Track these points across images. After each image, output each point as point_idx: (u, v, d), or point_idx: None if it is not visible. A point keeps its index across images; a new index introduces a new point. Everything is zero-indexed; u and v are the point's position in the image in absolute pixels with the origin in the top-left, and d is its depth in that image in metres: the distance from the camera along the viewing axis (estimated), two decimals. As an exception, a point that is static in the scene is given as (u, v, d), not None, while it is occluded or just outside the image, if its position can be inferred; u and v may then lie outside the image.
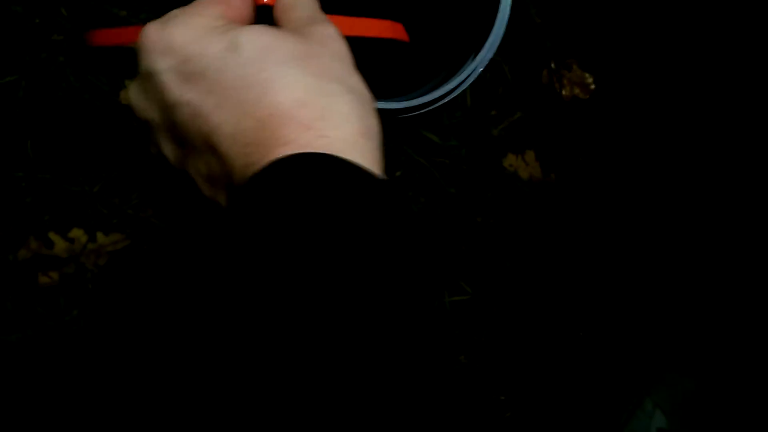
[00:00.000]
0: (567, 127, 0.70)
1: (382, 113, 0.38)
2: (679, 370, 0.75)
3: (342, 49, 0.32)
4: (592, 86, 0.69)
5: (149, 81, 0.33)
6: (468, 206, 0.73)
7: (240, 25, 0.31)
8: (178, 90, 0.30)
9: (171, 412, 0.21)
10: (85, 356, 0.67)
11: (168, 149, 0.34)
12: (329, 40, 0.31)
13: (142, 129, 0.36)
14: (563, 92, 0.69)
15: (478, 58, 0.40)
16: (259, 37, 0.29)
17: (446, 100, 0.40)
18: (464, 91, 0.48)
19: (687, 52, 0.71)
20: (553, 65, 0.68)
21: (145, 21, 0.34)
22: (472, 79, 0.41)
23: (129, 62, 0.67)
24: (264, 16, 0.35)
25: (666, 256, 0.74)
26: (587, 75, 0.69)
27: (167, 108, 0.31)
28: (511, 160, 0.71)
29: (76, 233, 0.68)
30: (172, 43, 0.30)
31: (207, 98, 0.29)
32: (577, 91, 0.69)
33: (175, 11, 0.32)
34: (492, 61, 0.47)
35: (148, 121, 0.35)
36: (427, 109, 0.40)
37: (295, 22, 0.32)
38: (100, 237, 0.68)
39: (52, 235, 0.67)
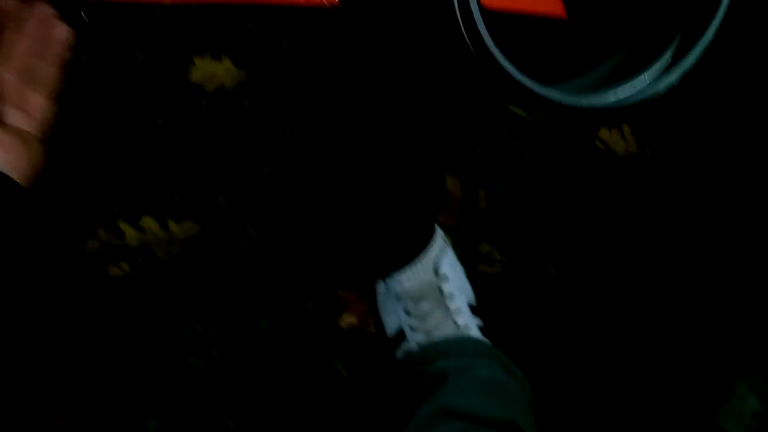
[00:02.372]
0: (650, 106, 0.65)
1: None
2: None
3: None
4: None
5: None
6: (557, 185, 0.68)
7: None
8: None
9: None
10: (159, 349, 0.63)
11: None
12: None
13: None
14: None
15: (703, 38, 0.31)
16: None
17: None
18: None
19: None
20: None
21: None
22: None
23: (196, 39, 0.61)
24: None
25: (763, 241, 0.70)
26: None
27: None
28: (605, 135, 0.66)
29: (147, 222, 0.63)
30: None
31: None
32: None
33: None
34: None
35: None
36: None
37: None
38: (172, 225, 0.64)
39: (123, 225, 0.63)
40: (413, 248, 0.61)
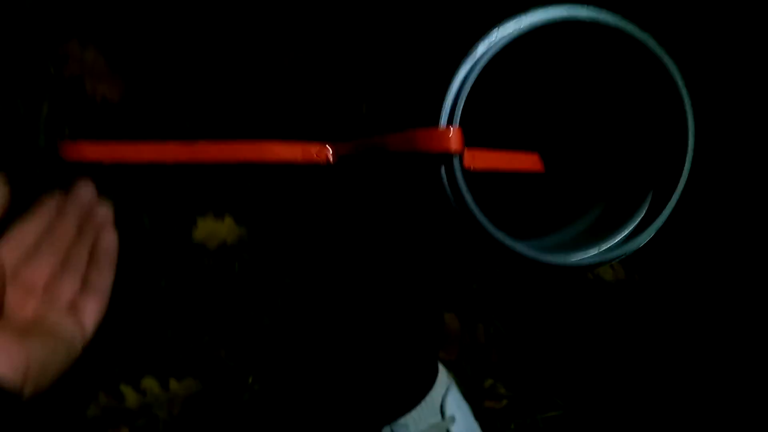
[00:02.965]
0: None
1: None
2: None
3: None
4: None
5: None
6: (553, 316, 0.70)
7: None
8: None
9: None
10: None
11: None
12: None
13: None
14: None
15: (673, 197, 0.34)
16: None
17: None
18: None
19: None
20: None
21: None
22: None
23: (199, 200, 0.65)
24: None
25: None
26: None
27: None
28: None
29: (148, 383, 0.62)
30: None
31: None
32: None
33: None
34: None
35: None
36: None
37: None
38: (173, 384, 0.63)
39: (124, 388, 0.62)
40: (417, 391, 0.61)
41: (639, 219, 0.36)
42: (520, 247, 0.32)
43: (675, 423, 0.68)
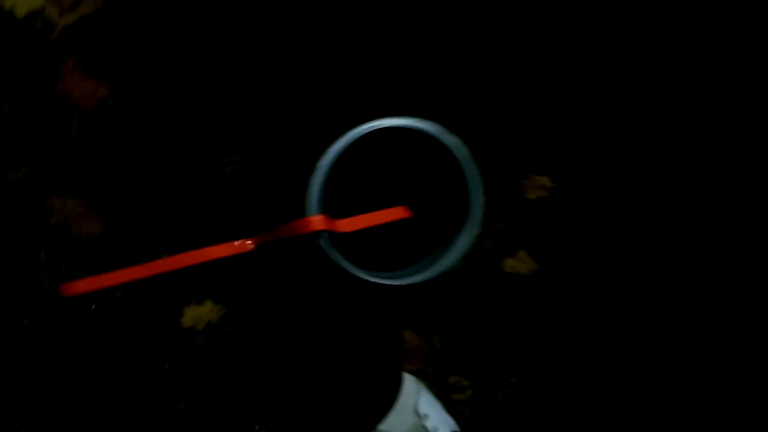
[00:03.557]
0: (543, 222, 0.83)
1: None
2: None
3: None
4: (551, 185, 0.83)
5: None
6: (492, 313, 0.84)
7: None
8: None
9: None
10: None
11: None
12: None
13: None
14: (529, 196, 0.83)
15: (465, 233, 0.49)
16: None
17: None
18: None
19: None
20: (515, 181, 0.83)
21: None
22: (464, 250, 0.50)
23: (179, 294, 0.79)
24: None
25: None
26: (544, 178, 0.83)
27: None
28: (509, 263, 0.83)
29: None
30: None
31: None
32: (540, 192, 0.83)
33: None
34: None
35: None
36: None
37: None
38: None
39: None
40: (389, 398, 0.75)
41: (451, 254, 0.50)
42: (373, 277, 0.47)
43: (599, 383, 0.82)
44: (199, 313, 0.79)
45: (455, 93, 0.83)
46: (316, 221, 0.44)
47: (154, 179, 0.79)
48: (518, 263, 0.83)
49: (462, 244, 0.46)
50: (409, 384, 0.79)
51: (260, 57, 0.82)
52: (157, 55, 0.81)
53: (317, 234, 0.44)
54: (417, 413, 0.76)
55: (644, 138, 0.86)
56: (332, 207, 0.50)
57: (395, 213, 0.53)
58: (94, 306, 0.77)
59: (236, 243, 0.48)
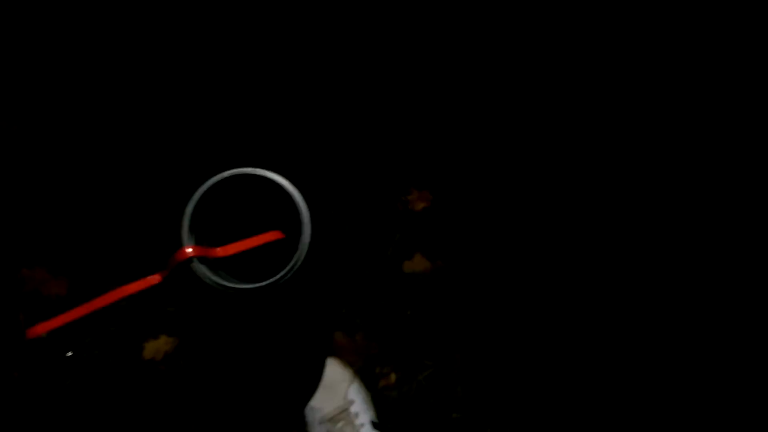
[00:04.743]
0: (428, 229, 1.00)
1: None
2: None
3: None
4: (431, 198, 1.00)
5: None
6: (402, 307, 1.00)
7: None
8: None
9: None
10: None
11: None
12: None
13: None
14: (416, 209, 1.00)
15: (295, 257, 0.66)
16: None
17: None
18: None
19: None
20: (402, 198, 1.00)
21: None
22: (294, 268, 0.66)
23: (137, 331, 0.95)
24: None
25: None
26: (426, 193, 1.00)
27: None
28: (407, 265, 0.99)
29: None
30: None
31: None
32: (423, 204, 1.00)
33: None
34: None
35: None
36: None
37: None
38: (168, 456, 0.92)
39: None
40: (314, 381, 0.91)
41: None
42: (234, 285, 0.63)
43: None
44: (156, 346, 0.95)
45: (333, 127, 1.01)
46: (187, 252, 0.60)
47: (100, 239, 0.97)
48: (415, 264, 0.99)
49: (299, 253, 0.62)
50: (342, 373, 0.94)
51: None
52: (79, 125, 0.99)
53: (191, 260, 0.61)
54: (345, 397, 0.91)
55: (506, 142, 1.03)
56: (213, 238, 0.66)
57: (267, 236, 0.69)
58: (70, 353, 0.94)
59: (146, 279, 0.64)
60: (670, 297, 0.98)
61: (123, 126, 1.00)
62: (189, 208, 0.62)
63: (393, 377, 0.98)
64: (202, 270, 0.62)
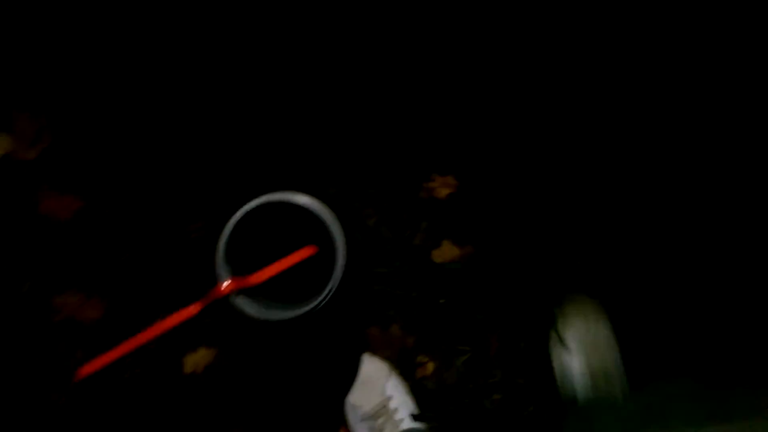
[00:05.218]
0: (454, 215, 0.99)
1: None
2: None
3: None
4: (456, 183, 0.98)
5: None
6: (430, 292, 1.00)
7: None
8: None
9: None
10: None
11: None
12: None
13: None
14: (440, 196, 0.99)
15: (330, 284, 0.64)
16: None
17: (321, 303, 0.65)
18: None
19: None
20: (426, 182, 0.98)
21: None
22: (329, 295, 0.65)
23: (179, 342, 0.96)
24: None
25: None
26: (450, 178, 0.98)
27: None
28: (436, 254, 0.98)
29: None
30: None
31: None
32: (448, 191, 0.98)
33: None
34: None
35: None
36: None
37: None
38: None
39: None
40: (351, 377, 0.92)
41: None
42: (272, 317, 0.63)
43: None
44: (196, 360, 0.96)
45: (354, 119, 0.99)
46: (224, 287, 0.60)
47: (134, 262, 0.97)
48: (444, 252, 0.98)
49: (334, 277, 0.62)
50: (381, 369, 0.95)
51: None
52: (112, 164, 0.98)
53: (232, 293, 0.60)
54: (383, 393, 0.92)
55: (529, 130, 1.01)
56: (247, 264, 0.65)
57: (301, 254, 0.69)
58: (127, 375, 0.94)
59: (185, 310, 0.64)
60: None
61: (155, 149, 0.99)
62: (222, 242, 0.61)
63: (431, 366, 0.99)
64: (240, 304, 0.62)
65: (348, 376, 0.94)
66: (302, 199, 0.64)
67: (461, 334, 0.99)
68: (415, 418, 0.92)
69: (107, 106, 0.99)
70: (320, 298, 0.63)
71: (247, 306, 0.62)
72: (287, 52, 1.02)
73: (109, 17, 0.99)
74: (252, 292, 0.65)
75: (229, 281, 0.61)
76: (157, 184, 0.98)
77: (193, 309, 0.63)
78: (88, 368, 0.66)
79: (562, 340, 0.91)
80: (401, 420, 0.90)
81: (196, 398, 0.95)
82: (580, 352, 0.89)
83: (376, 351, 0.98)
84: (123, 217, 0.97)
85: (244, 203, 0.63)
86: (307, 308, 0.63)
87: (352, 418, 0.93)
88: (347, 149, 1.01)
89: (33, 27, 0.99)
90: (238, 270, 0.65)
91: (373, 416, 0.90)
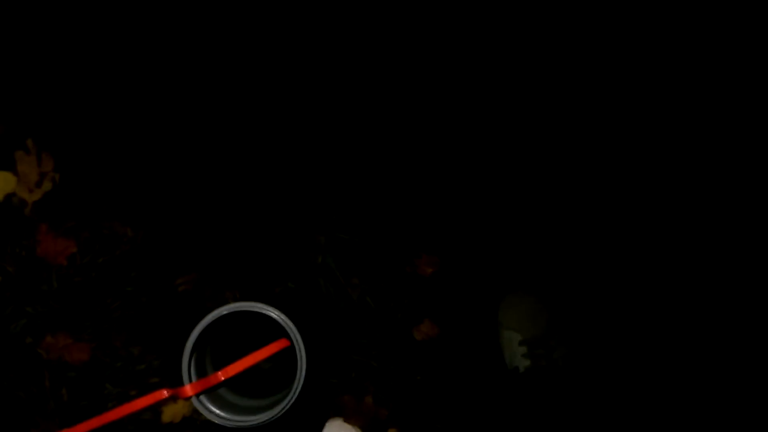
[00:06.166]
0: (433, 298, 1.01)
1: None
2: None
3: None
4: (439, 262, 1.00)
5: None
6: (407, 368, 1.01)
7: None
8: None
9: None
10: None
11: None
12: None
13: None
14: (425, 273, 1.00)
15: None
16: None
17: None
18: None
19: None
20: (410, 261, 1.00)
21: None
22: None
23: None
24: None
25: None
26: (435, 258, 1.00)
27: None
28: (417, 332, 1.00)
29: None
30: None
31: None
32: (431, 269, 1.00)
33: None
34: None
35: None
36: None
37: None
38: None
39: None
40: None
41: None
42: (235, 420, 0.65)
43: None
44: (174, 410, 0.99)
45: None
46: (188, 390, 0.63)
47: (123, 309, 1.00)
48: (425, 329, 1.00)
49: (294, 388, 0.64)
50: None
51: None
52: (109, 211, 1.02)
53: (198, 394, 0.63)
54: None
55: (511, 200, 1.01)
56: (218, 359, 0.68)
57: (271, 348, 0.71)
58: None
59: (156, 393, 0.66)
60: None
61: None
62: (188, 346, 0.63)
63: (402, 439, 1.01)
64: (203, 407, 0.64)
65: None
66: (271, 312, 0.66)
67: (436, 412, 1.01)
68: None
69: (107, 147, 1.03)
70: (282, 408, 0.64)
71: (211, 408, 0.64)
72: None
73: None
74: (218, 387, 0.67)
75: (192, 386, 0.64)
76: (149, 236, 1.01)
77: (163, 392, 0.66)
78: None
79: (503, 323, 1.00)
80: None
81: (171, 448, 0.98)
82: (518, 326, 0.99)
83: (348, 419, 1.00)
84: (115, 265, 1.00)
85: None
86: (269, 418, 0.65)
87: None
88: (340, 216, 1.02)
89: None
90: (205, 367, 0.67)
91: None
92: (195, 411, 0.99)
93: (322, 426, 0.95)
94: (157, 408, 0.99)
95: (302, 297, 1.00)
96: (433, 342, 1.01)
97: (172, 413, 0.99)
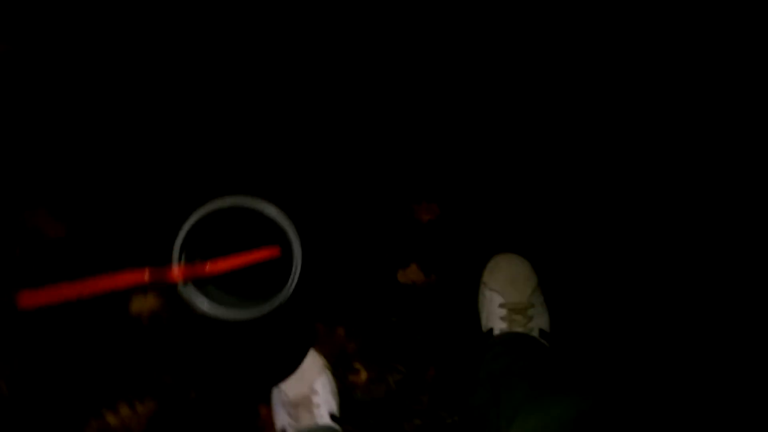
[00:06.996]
0: (427, 243, 0.99)
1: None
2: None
3: None
4: (438, 212, 0.99)
5: None
6: (384, 308, 1.01)
7: None
8: None
9: None
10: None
11: None
12: None
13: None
14: (422, 219, 0.99)
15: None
16: None
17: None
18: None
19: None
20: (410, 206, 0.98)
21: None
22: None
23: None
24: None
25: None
26: (436, 206, 0.99)
27: None
28: (401, 275, 0.99)
29: (123, 408, 0.96)
30: None
31: None
32: (429, 216, 0.99)
33: None
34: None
35: None
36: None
37: None
38: (138, 406, 0.96)
39: (106, 412, 0.96)
40: (289, 369, 0.94)
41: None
42: (221, 312, 0.63)
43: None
44: (143, 303, 0.97)
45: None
46: (175, 274, 0.61)
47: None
48: (409, 274, 0.99)
49: (289, 283, 0.62)
50: (315, 363, 0.96)
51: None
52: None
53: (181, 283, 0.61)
54: (311, 386, 0.94)
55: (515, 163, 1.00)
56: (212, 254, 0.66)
57: (262, 254, 0.69)
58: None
59: (138, 273, 0.63)
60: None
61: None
62: (183, 230, 0.61)
63: (363, 375, 1.01)
64: (189, 295, 0.62)
65: (290, 361, 0.96)
66: (269, 210, 0.64)
67: (402, 355, 1.01)
68: (333, 418, 0.94)
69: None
70: (270, 304, 0.63)
71: (196, 299, 0.63)
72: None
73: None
74: (205, 284, 0.65)
75: (181, 267, 0.62)
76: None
77: (145, 274, 0.63)
78: (30, 299, 0.66)
79: (487, 282, 0.96)
80: (320, 416, 0.92)
81: (136, 340, 0.97)
82: (500, 289, 0.95)
83: (317, 345, 1.00)
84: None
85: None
86: (256, 313, 0.63)
87: (275, 398, 0.96)
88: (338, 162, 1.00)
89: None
90: (195, 257, 0.65)
91: (293, 404, 0.92)
92: (163, 308, 0.98)
93: (302, 350, 0.95)
94: (127, 295, 0.97)
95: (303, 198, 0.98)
96: (416, 288, 1.00)
97: (140, 305, 0.97)
